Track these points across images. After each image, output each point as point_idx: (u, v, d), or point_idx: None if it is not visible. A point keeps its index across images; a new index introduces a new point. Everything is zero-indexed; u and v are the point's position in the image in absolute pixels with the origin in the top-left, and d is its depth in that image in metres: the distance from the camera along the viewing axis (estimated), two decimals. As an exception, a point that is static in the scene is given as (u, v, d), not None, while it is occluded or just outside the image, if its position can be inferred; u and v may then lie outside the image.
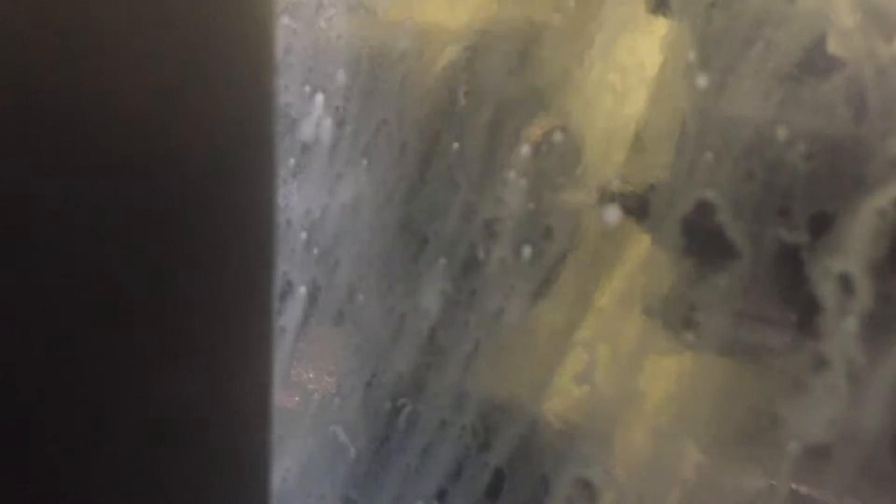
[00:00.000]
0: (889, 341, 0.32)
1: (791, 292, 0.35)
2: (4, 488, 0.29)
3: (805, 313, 0.34)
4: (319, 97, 0.50)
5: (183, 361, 0.33)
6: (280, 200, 0.51)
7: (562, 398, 0.42)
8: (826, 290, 0.34)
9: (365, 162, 0.49)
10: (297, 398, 0.52)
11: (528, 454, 0.43)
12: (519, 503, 0.43)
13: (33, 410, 0.29)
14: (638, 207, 0.39)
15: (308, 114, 0.51)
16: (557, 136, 0.42)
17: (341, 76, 0.49)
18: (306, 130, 0.51)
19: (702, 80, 0.37)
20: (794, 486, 0.35)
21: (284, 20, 0.51)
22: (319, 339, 0.52)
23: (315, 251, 0.51)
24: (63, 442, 0.30)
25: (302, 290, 0.51)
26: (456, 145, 0.45)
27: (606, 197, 0.40)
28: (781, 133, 0.35)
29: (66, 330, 0.30)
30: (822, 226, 0.34)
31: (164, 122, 0.31)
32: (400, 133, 0.47)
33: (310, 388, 0.52)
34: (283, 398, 0.52)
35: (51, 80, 0.29)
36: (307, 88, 0.51)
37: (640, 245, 0.39)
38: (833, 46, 0.34)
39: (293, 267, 0.51)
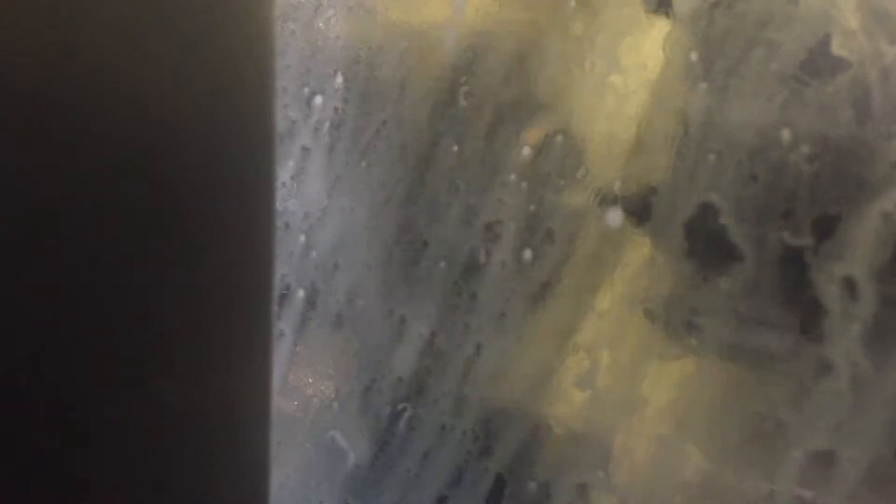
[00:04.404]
0: (894, 345, 0.32)
1: (794, 296, 0.35)
2: (7, 489, 0.29)
3: (808, 317, 0.34)
4: (318, 99, 0.50)
5: (181, 365, 0.33)
6: (279, 203, 0.50)
7: (563, 403, 0.42)
8: (830, 294, 0.34)
9: (364, 164, 0.48)
10: (295, 403, 0.52)
11: (529, 459, 0.42)
12: (520, 509, 0.43)
13: (34, 413, 0.29)
14: (640, 210, 0.39)
15: (307, 116, 0.50)
16: (558, 139, 0.41)
17: (340, 78, 0.49)
18: (305, 132, 0.51)
19: (704, 82, 0.37)
20: (797, 491, 0.35)
21: (283, 22, 0.51)
22: (318, 343, 0.51)
23: (314, 254, 0.51)
24: (61, 446, 0.30)
25: (301, 293, 0.51)
26: (456, 147, 0.45)
27: (608, 199, 0.40)
28: (785, 135, 0.35)
29: (65, 333, 0.30)
30: (825, 229, 0.34)
31: (162, 125, 0.31)
32: (399, 135, 0.47)
33: (308, 392, 0.51)
34: (281, 403, 0.52)
35: (50, 82, 0.28)
36: (306, 90, 0.50)
37: (642, 248, 0.39)
38: (837, 48, 0.34)
39: (292, 270, 0.51)
